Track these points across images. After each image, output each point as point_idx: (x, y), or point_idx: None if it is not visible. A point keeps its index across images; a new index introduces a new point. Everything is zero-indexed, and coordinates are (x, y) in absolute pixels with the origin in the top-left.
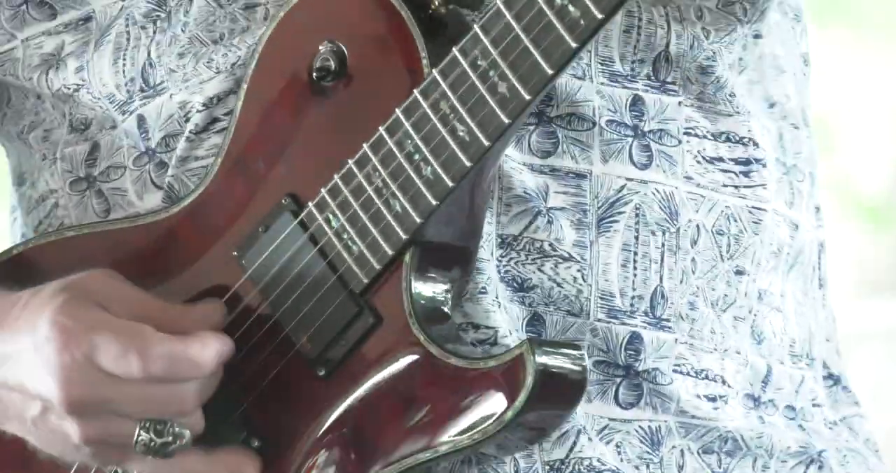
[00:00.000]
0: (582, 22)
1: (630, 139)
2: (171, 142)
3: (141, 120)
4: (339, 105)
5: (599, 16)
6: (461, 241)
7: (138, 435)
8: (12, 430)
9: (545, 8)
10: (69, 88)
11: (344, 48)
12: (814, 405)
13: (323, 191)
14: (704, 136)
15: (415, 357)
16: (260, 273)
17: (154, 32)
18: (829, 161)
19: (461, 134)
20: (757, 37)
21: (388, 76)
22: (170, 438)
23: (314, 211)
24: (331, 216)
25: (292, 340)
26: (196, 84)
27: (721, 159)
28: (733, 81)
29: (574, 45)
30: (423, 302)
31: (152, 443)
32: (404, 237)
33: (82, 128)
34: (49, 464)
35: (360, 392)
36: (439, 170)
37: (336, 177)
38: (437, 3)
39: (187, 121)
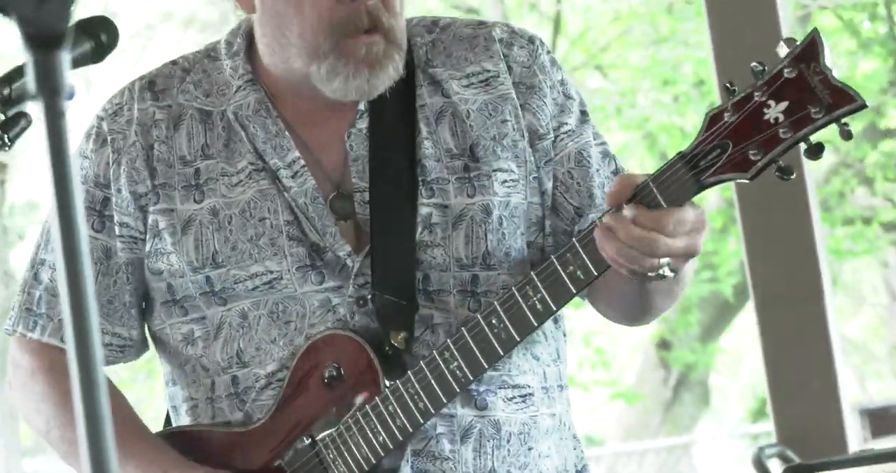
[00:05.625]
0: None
1: (475, 394)
2: (248, 391)
3: (234, 379)
4: (338, 394)
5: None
6: (394, 464)
7: None
8: None
9: (442, 366)
10: (198, 357)
11: (341, 366)
12: None
13: (326, 437)
14: (507, 388)
15: None
16: (295, 470)
17: (243, 332)
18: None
19: (399, 424)
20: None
21: (363, 384)
22: None
23: (320, 446)
24: (328, 451)
25: None
26: (264, 364)
27: (513, 399)
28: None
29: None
30: None
31: None
32: (366, 468)
33: (205, 372)
34: None
35: None
36: (387, 440)
37: (334, 431)
38: (388, 347)
39: (257, 381)
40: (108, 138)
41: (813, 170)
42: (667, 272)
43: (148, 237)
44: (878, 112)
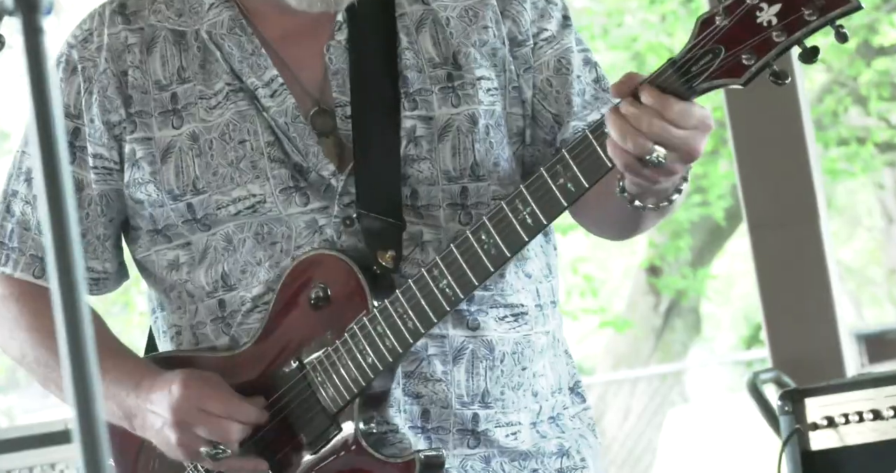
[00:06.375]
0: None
1: (467, 315)
2: (233, 314)
3: (221, 303)
4: (325, 315)
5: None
6: (384, 387)
7: (203, 448)
8: (147, 436)
9: (432, 286)
10: (182, 282)
11: (327, 287)
12: (564, 407)
13: (314, 359)
14: (499, 307)
15: (359, 453)
16: (283, 393)
17: (227, 255)
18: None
19: (388, 345)
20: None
21: (351, 305)
22: (218, 451)
23: (308, 368)
24: (315, 373)
25: (296, 430)
26: (250, 287)
27: (505, 318)
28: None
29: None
30: (363, 424)
31: (210, 452)
32: (355, 391)
33: (191, 298)
34: (163, 458)
35: (329, 463)
36: (376, 362)
37: (321, 353)
38: (376, 267)
39: (242, 305)
40: (79, 67)
41: (806, 89)
42: (657, 159)
43: (126, 167)
44: (871, 29)
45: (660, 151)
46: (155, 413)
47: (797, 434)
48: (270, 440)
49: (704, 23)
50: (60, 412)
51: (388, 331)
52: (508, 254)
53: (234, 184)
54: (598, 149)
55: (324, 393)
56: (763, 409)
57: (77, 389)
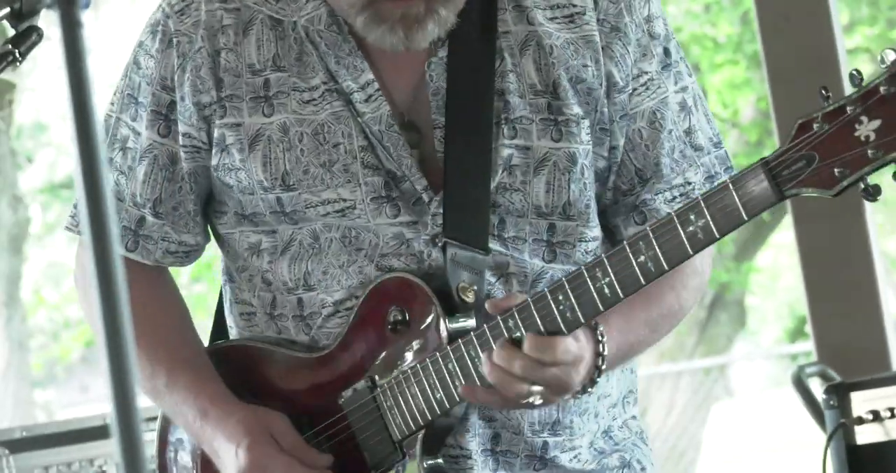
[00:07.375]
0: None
1: None
2: (314, 316)
3: (300, 301)
4: (400, 339)
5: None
6: (451, 421)
7: None
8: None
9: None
10: (261, 269)
11: (406, 312)
12: (613, 419)
13: (384, 382)
14: None
15: None
16: (351, 413)
17: (312, 253)
18: None
19: (457, 385)
20: None
21: (427, 338)
22: None
23: (378, 391)
24: (385, 397)
25: (361, 450)
26: (331, 291)
27: None
28: None
29: None
30: (428, 458)
31: None
32: (422, 423)
33: (269, 283)
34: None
35: None
36: (444, 399)
37: (392, 378)
38: (457, 298)
39: (323, 307)
40: (174, 40)
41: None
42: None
43: (214, 151)
44: None
45: (536, 391)
46: (219, 456)
47: (842, 429)
48: (335, 455)
49: (802, 127)
50: (99, 407)
51: (458, 371)
52: (582, 321)
53: (324, 186)
54: (682, 233)
55: (391, 418)
56: (808, 403)
57: (115, 385)
